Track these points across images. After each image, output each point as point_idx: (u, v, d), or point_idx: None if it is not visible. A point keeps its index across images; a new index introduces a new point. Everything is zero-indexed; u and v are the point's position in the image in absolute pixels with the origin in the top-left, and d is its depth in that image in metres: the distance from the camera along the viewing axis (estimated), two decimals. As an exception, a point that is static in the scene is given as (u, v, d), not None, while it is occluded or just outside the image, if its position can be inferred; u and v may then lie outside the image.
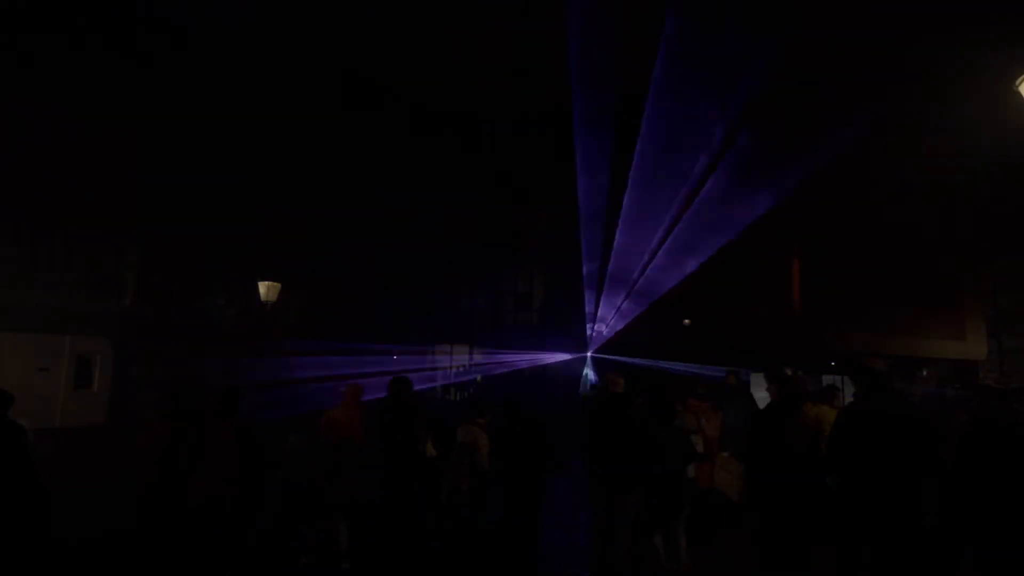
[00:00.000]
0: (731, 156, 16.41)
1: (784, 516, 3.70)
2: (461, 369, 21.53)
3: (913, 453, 3.41)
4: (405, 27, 15.15)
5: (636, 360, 17.84)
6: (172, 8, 13.46)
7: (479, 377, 20.86)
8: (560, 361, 20.37)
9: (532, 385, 17.12)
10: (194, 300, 14.26)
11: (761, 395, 7.00)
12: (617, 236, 17.91)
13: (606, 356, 19.63)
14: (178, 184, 13.89)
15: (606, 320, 20.24)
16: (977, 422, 3.60)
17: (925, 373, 17.83)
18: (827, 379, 11.96)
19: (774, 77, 15.11)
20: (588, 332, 20.67)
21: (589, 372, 19.54)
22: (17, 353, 11.71)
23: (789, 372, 4.31)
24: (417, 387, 5.51)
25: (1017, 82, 5.07)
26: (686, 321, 18.09)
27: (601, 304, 19.90)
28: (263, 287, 12.17)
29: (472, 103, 18.25)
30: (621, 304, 19.39)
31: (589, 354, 20.73)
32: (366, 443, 5.28)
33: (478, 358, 21.42)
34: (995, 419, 3.48)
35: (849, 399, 4.98)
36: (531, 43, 15.51)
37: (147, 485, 3.91)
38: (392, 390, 5.15)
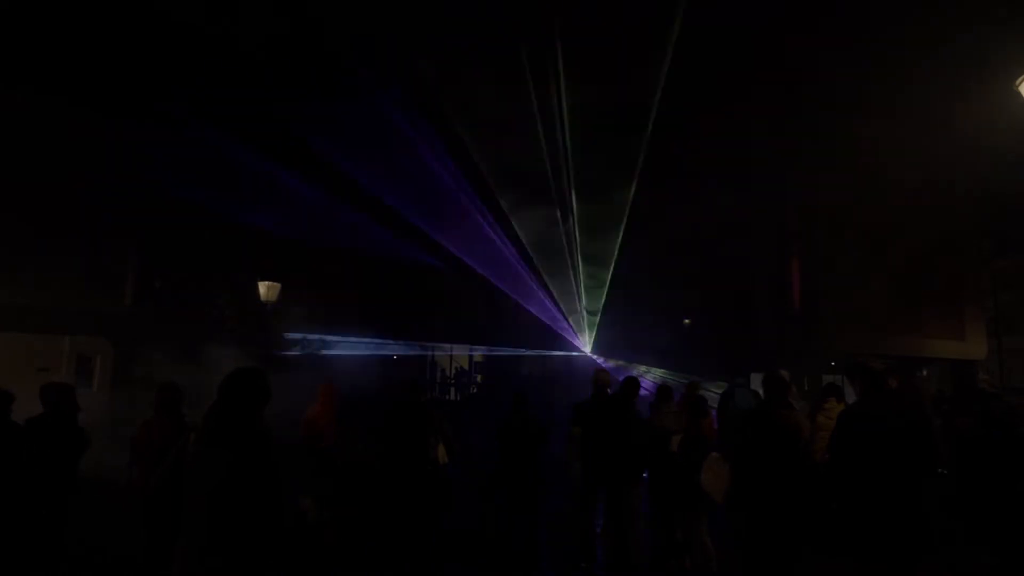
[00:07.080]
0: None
1: (768, 521, 3.56)
2: (460, 368, 21.52)
3: (916, 455, 3.33)
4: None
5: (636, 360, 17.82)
6: (174, 6, 13.42)
7: (479, 376, 20.84)
8: (562, 359, 20.34)
9: (536, 383, 17.10)
10: (194, 300, 14.21)
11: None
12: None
13: (606, 356, 19.61)
14: (179, 184, 13.86)
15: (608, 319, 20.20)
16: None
17: (925, 373, 17.84)
18: (827, 379, 11.95)
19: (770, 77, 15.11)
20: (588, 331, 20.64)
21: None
22: (17, 353, 11.70)
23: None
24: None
25: (1017, 82, 5.08)
26: (686, 321, 18.10)
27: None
28: (263, 287, 12.13)
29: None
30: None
31: (589, 353, 20.73)
32: (338, 444, 5.17)
33: (478, 357, 21.41)
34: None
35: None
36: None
37: (149, 484, 3.91)
38: (403, 391, 4.95)
